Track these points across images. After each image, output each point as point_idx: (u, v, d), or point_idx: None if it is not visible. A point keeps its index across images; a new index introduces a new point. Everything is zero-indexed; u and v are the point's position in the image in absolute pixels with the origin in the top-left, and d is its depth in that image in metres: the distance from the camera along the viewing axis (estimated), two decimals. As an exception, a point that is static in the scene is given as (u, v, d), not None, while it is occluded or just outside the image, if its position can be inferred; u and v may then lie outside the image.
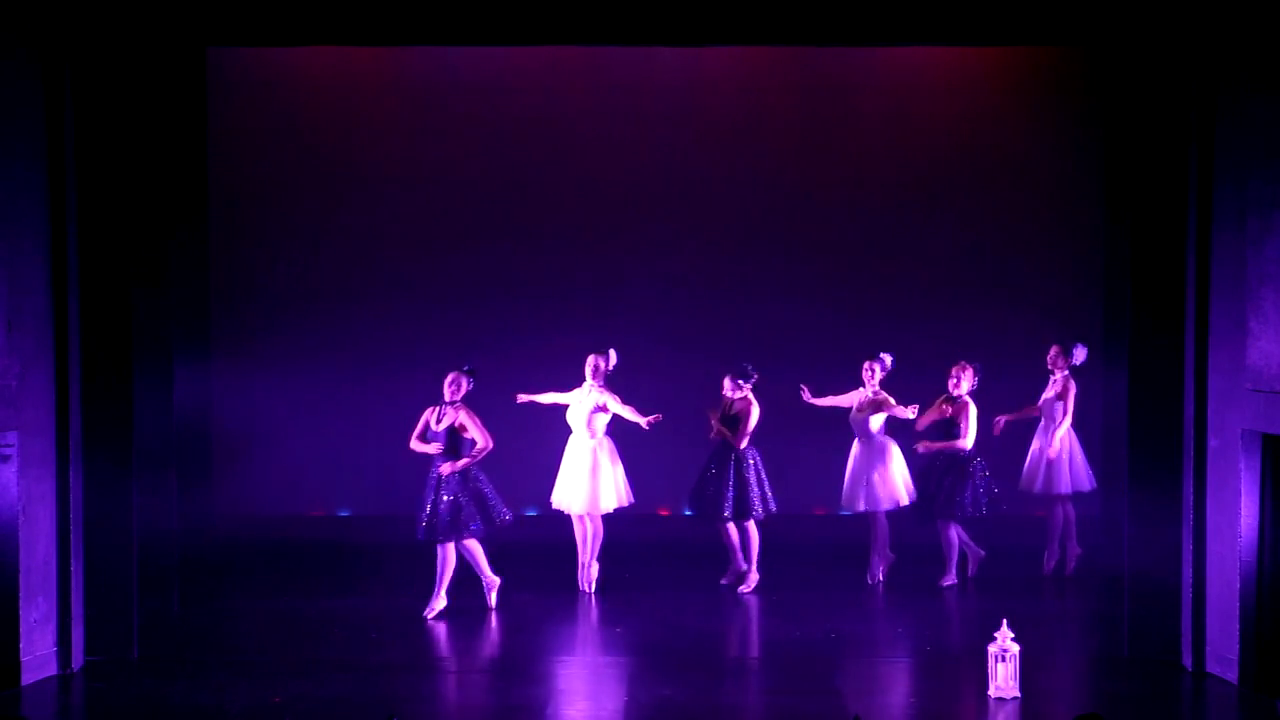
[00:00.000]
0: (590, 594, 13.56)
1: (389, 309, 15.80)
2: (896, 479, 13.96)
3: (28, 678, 11.02)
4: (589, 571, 13.67)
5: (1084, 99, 15.59)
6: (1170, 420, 11.37)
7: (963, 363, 13.90)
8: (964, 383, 13.82)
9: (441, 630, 12.59)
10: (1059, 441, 14.17)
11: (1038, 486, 14.31)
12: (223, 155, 15.18)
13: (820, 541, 15.15)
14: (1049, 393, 14.29)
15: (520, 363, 14.43)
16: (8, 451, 10.85)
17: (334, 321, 15.78)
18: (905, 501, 13.96)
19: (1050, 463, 14.22)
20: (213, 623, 12.84)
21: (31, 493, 11.02)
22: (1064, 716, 10.22)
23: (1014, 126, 15.79)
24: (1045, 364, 14.29)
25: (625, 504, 13.68)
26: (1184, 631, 11.39)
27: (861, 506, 13.93)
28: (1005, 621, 10.65)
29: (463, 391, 12.76)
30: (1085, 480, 14.38)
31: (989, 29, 11.63)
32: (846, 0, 11.47)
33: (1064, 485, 14.25)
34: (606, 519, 13.71)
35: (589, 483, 13.53)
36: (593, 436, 13.58)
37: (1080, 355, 14.23)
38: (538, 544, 14.81)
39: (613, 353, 13.55)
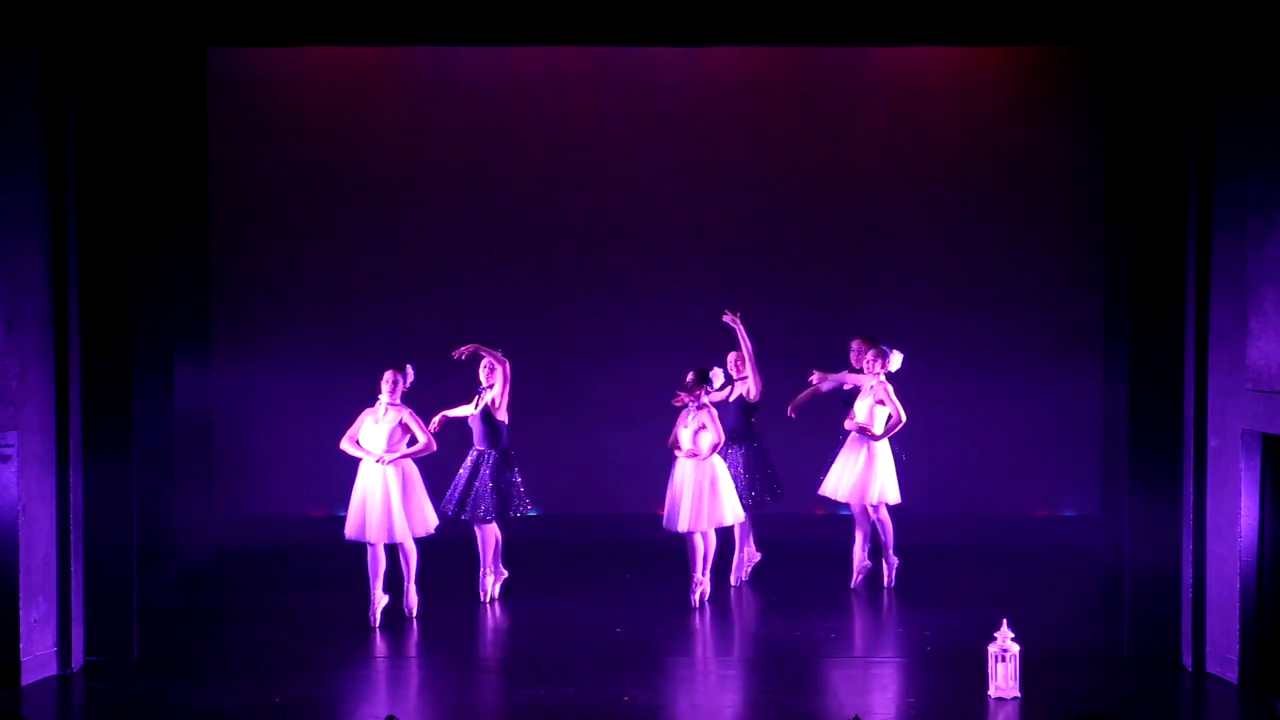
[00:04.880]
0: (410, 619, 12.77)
1: (389, 308, 15.79)
2: (725, 497, 13.24)
3: (28, 678, 11.01)
4: (376, 606, 12.59)
5: (1085, 99, 15.56)
6: (1170, 420, 11.37)
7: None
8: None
9: (442, 630, 12.58)
10: (885, 447, 13.66)
11: (856, 496, 13.64)
12: (223, 155, 15.20)
13: (817, 541, 15.10)
14: (866, 398, 13.64)
15: (520, 362, 14.40)
16: (8, 451, 10.85)
17: (334, 320, 15.77)
18: (729, 522, 13.32)
19: (872, 471, 13.60)
20: (213, 623, 12.83)
21: (31, 492, 11.01)
22: (1064, 716, 10.22)
23: (1014, 127, 15.77)
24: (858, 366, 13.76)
25: (432, 529, 12.87)
26: (1184, 631, 11.39)
27: (683, 527, 13.13)
28: (1005, 621, 10.65)
29: None
30: (894, 491, 13.76)
31: (990, 29, 11.63)
32: (847, 0, 11.47)
33: (894, 494, 13.66)
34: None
35: (400, 507, 12.59)
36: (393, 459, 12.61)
37: (896, 361, 13.65)
38: (547, 545, 14.89)
39: (409, 369, 12.77)
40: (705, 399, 13.22)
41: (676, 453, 13.27)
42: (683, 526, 13.13)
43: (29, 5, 10.93)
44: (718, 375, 13.38)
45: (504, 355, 13.18)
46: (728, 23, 11.54)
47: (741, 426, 13.76)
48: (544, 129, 15.82)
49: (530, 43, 13.33)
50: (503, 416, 13.13)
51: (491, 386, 13.14)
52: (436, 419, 13.08)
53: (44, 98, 11.05)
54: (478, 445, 13.24)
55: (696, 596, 13.21)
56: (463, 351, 13.11)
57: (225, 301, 15.49)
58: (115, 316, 11.42)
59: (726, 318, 13.62)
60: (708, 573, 13.27)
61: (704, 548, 13.21)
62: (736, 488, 13.43)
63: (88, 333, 11.35)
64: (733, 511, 13.28)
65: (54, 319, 11.14)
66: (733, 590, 13.73)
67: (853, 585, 13.78)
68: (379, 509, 12.57)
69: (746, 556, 13.96)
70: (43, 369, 11.10)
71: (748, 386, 13.70)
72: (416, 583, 12.79)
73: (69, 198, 11.17)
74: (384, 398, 12.67)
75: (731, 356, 13.78)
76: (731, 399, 13.70)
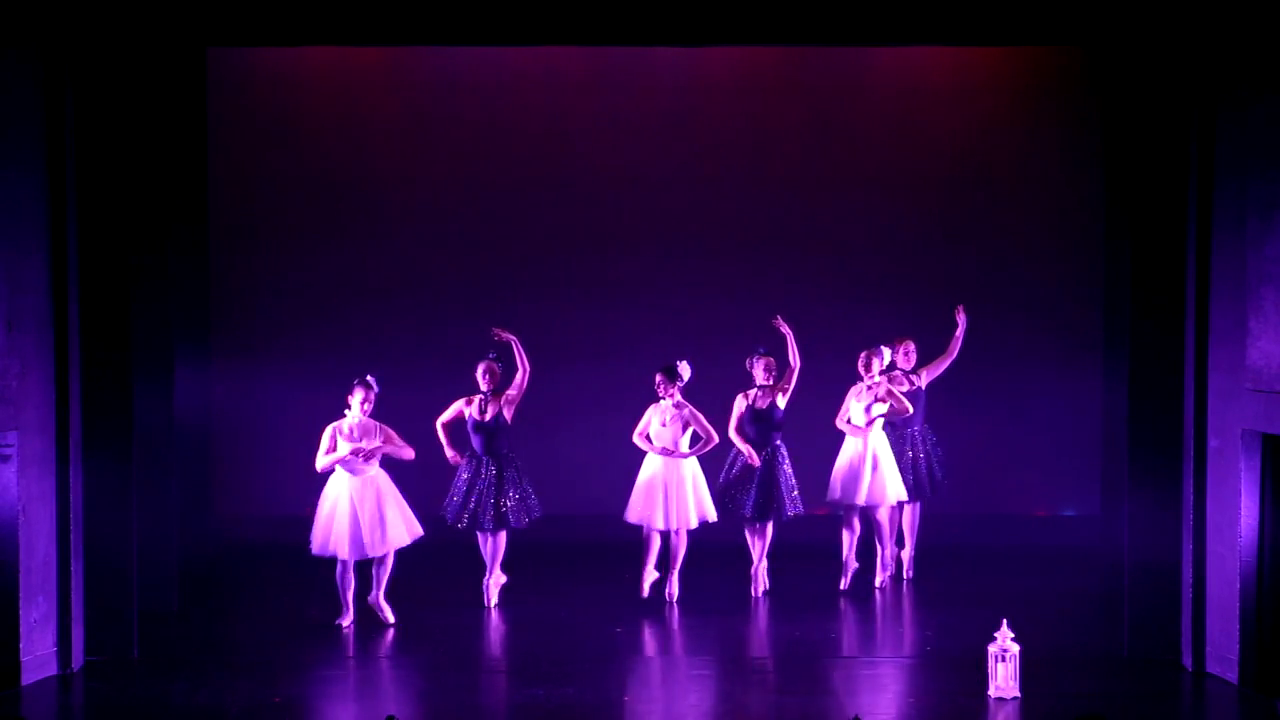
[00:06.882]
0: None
1: (389, 308, 15.79)
2: (701, 497, 13.23)
3: (28, 678, 11.02)
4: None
5: (1084, 100, 15.57)
6: (1170, 420, 11.37)
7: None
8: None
9: (442, 630, 12.58)
10: (886, 445, 13.67)
11: (873, 499, 13.62)
12: (223, 155, 15.19)
13: (817, 541, 15.08)
14: (867, 398, 13.64)
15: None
16: (8, 451, 10.85)
17: (334, 321, 15.76)
18: (695, 524, 13.24)
19: (883, 472, 13.57)
20: (213, 623, 12.84)
21: (31, 493, 11.02)
22: (1064, 716, 10.22)
23: (1014, 127, 15.77)
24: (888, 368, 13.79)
25: (419, 534, 12.67)
26: (1184, 631, 11.40)
27: (663, 525, 13.13)
28: (1005, 621, 10.66)
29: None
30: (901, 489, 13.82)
31: (989, 29, 11.63)
32: (847, 0, 11.47)
33: (901, 490, 13.71)
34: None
35: (385, 516, 12.46)
36: (370, 469, 12.50)
37: (886, 356, 13.71)
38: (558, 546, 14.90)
39: (372, 379, 12.54)
40: (679, 395, 13.17)
41: (640, 444, 13.22)
42: (667, 524, 13.12)
43: (28, 5, 10.93)
44: (684, 368, 13.25)
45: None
46: (728, 23, 11.54)
47: (774, 435, 13.43)
48: (544, 129, 15.81)
49: (530, 43, 13.31)
50: (509, 420, 13.08)
51: (494, 390, 13.04)
52: (442, 436, 12.98)
53: (44, 98, 11.04)
54: (480, 452, 13.05)
55: (647, 587, 13.13)
56: (502, 334, 12.96)
57: (225, 301, 15.48)
58: (115, 316, 11.42)
59: (776, 323, 13.28)
60: (676, 571, 13.25)
61: (664, 545, 13.19)
62: (781, 494, 13.32)
63: (88, 333, 11.35)
64: (708, 511, 13.24)
65: (54, 319, 11.14)
66: (753, 597, 13.58)
67: (879, 584, 13.78)
68: (347, 524, 12.37)
69: (763, 567, 13.62)
70: (43, 369, 11.10)
71: (785, 385, 13.33)
72: (387, 592, 12.63)
73: (69, 198, 11.17)
74: (354, 414, 12.43)
75: (759, 362, 13.44)
76: (764, 406, 13.38)
